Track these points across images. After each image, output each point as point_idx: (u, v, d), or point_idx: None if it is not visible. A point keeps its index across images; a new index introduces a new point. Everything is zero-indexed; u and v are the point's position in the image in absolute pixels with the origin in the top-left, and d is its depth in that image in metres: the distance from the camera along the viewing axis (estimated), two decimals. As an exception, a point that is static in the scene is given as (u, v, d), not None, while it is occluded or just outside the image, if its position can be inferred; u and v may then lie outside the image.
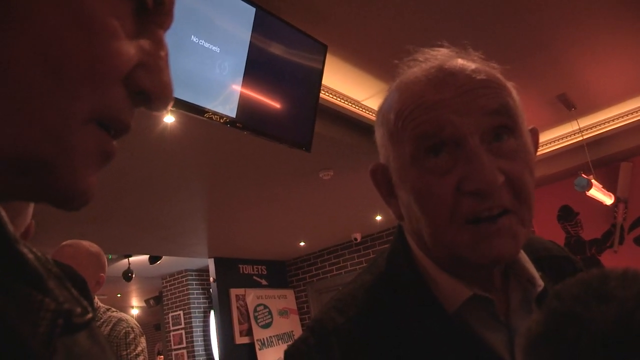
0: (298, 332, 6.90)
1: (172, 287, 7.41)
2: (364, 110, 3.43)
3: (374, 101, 3.38)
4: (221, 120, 2.19)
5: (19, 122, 0.26)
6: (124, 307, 9.90)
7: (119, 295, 9.16)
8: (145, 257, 6.30)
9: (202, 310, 7.17)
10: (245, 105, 2.27)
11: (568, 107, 4.01)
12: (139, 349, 2.12)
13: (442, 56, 0.67)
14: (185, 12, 2.00)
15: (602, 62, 3.45)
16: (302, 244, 6.75)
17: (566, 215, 5.06)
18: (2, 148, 0.26)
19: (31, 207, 0.99)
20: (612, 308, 0.40)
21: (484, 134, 0.61)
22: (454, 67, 0.64)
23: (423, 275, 0.68)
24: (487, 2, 2.61)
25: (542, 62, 3.31)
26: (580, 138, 4.38)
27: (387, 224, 6.10)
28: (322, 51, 2.62)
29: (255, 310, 6.72)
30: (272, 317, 6.89)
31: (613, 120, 4.34)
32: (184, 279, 7.25)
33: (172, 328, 7.25)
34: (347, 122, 3.44)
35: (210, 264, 6.63)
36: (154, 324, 9.82)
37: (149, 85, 0.32)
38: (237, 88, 2.24)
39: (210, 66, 2.12)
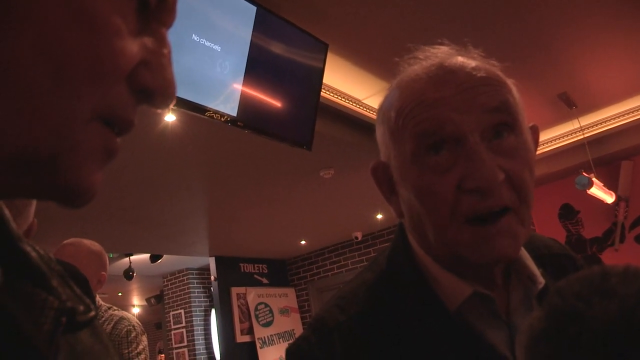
0: (299, 330, 6.90)
1: (173, 285, 7.42)
2: (364, 109, 3.43)
3: (374, 100, 3.38)
4: (222, 119, 2.19)
5: (22, 121, 0.26)
6: (125, 305, 9.91)
7: (120, 294, 9.17)
8: (146, 255, 6.31)
9: (203, 308, 7.18)
10: (246, 104, 2.27)
11: (569, 106, 4.01)
12: (140, 347, 2.12)
13: (443, 54, 0.67)
14: (186, 11, 2.00)
15: (603, 60, 3.45)
16: (303, 242, 6.75)
17: (567, 213, 5.06)
18: (5, 145, 0.26)
19: (33, 205, 0.99)
20: (613, 305, 0.40)
21: (484, 131, 0.61)
22: (454, 65, 0.64)
23: (424, 273, 0.68)
24: (487, 2, 2.61)
25: (542, 61, 3.31)
26: (581, 136, 4.38)
27: (388, 222, 6.10)
28: (323, 50, 2.62)
29: (256, 309, 6.72)
30: (273, 315, 6.90)
31: (614, 119, 4.34)
32: (185, 278, 7.26)
33: (173, 327, 7.25)
34: (348, 120, 3.44)
35: (211, 262, 6.63)
36: (155, 322, 9.83)
37: (152, 83, 0.32)
38: (238, 87, 2.24)
39: (211, 65, 2.12)
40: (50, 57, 0.26)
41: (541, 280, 0.68)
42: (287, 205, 4.88)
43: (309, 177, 4.13)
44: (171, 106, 0.34)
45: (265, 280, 7.16)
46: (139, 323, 2.21)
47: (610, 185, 4.49)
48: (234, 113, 2.22)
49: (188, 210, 4.59)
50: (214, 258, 6.58)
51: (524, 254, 0.70)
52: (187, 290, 7.18)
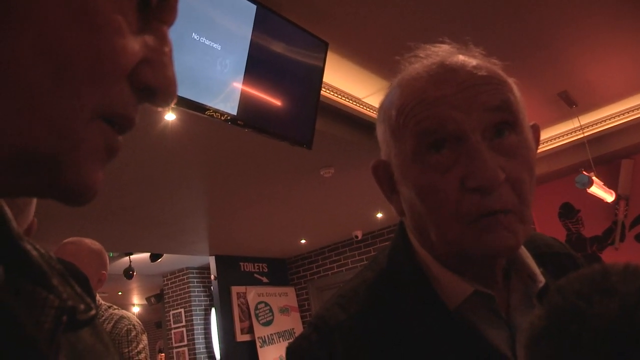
0: (299, 329, 6.91)
1: (173, 284, 7.42)
2: (365, 108, 3.43)
3: (375, 99, 3.38)
4: (222, 118, 2.19)
5: (22, 121, 0.26)
6: (125, 304, 9.92)
7: (120, 293, 9.17)
8: (146, 254, 6.31)
9: (203, 308, 7.18)
10: (246, 103, 2.27)
11: (569, 105, 4.01)
12: (141, 346, 2.12)
13: (443, 52, 0.67)
14: (187, 10, 2.00)
15: (603, 59, 3.45)
16: (303, 241, 6.75)
17: (567, 212, 5.06)
18: (5, 145, 0.26)
19: (34, 204, 0.99)
20: (613, 303, 0.40)
21: (485, 130, 0.61)
22: (455, 64, 0.64)
23: (424, 272, 0.68)
24: (487, 2, 2.61)
25: (543, 60, 3.31)
26: (581, 135, 4.38)
27: (388, 221, 6.10)
28: (323, 49, 2.62)
29: (256, 308, 6.73)
30: (273, 314, 6.90)
31: (614, 118, 4.34)
32: (185, 277, 7.26)
33: (173, 326, 7.26)
34: (348, 119, 3.44)
35: (211, 261, 6.63)
36: (155, 321, 9.83)
37: (153, 81, 0.32)
38: (238, 85, 2.24)
39: (212, 64, 2.12)
40: (50, 56, 0.26)
41: (541, 279, 0.68)
42: (287, 204, 4.88)
43: (309, 176, 4.13)
44: (172, 105, 0.34)
45: (265, 279, 7.16)
46: (139, 322, 2.21)
47: (610, 184, 4.49)
48: (234, 112, 2.22)
49: (188, 209, 4.59)
50: (214, 257, 6.59)
51: (524, 252, 0.70)
52: (187, 290, 7.19)
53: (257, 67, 2.30)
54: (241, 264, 6.92)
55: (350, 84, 3.26)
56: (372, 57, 2.98)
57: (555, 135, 4.62)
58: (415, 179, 0.64)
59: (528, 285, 0.69)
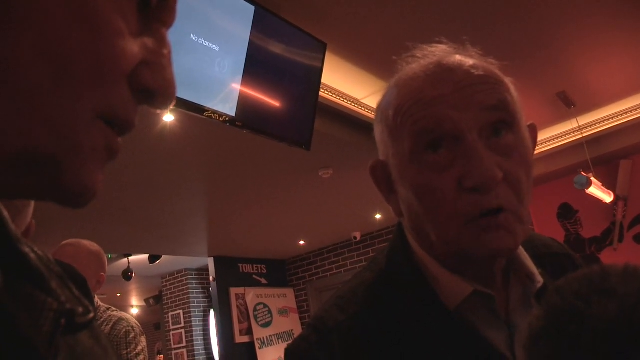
0: (298, 331, 6.90)
1: (172, 286, 7.41)
2: (363, 109, 3.43)
3: (373, 99, 3.38)
4: (221, 119, 2.19)
5: (22, 121, 0.26)
6: (123, 306, 9.91)
7: (118, 295, 9.16)
8: (145, 256, 6.30)
9: (202, 309, 7.18)
10: (244, 104, 2.27)
11: (567, 105, 4.01)
12: (139, 348, 2.12)
13: (441, 52, 0.67)
14: (185, 11, 2.00)
15: (602, 60, 3.45)
16: (301, 242, 6.75)
17: (566, 213, 5.06)
18: (5, 145, 0.26)
19: (31, 206, 0.99)
20: (612, 304, 0.40)
21: (482, 129, 0.61)
22: (452, 63, 0.64)
23: (423, 272, 0.68)
24: (487, 2, 2.62)
25: (541, 61, 3.31)
26: (580, 136, 4.39)
27: (387, 222, 6.10)
28: (321, 49, 2.62)
29: (255, 309, 6.72)
30: (272, 316, 6.90)
31: (612, 118, 4.34)
32: (183, 278, 7.25)
33: (172, 327, 7.25)
34: (347, 120, 3.44)
35: (210, 263, 6.63)
36: (154, 323, 9.82)
37: (153, 83, 0.32)
38: (237, 86, 2.24)
39: (210, 64, 2.12)
40: (50, 57, 0.26)
41: (540, 280, 0.68)
42: (286, 205, 4.88)
43: (307, 177, 4.12)
44: (171, 106, 0.34)
45: (264, 281, 7.16)
46: (138, 324, 2.21)
47: (608, 184, 4.49)
48: (232, 113, 2.22)
49: (187, 210, 4.59)
50: (212, 258, 6.58)
51: (523, 253, 0.70)
52: (186, 291, 7.18)
53: (256, 68, 2.30)
54: (240, 265, 6.91)
55: (349, 85, 3.26)
56: (370, 58, 2.98)
57: (554, 136, 4.62)
58: (412, 178, 0.64)
59: (526, 285, 0.69)
